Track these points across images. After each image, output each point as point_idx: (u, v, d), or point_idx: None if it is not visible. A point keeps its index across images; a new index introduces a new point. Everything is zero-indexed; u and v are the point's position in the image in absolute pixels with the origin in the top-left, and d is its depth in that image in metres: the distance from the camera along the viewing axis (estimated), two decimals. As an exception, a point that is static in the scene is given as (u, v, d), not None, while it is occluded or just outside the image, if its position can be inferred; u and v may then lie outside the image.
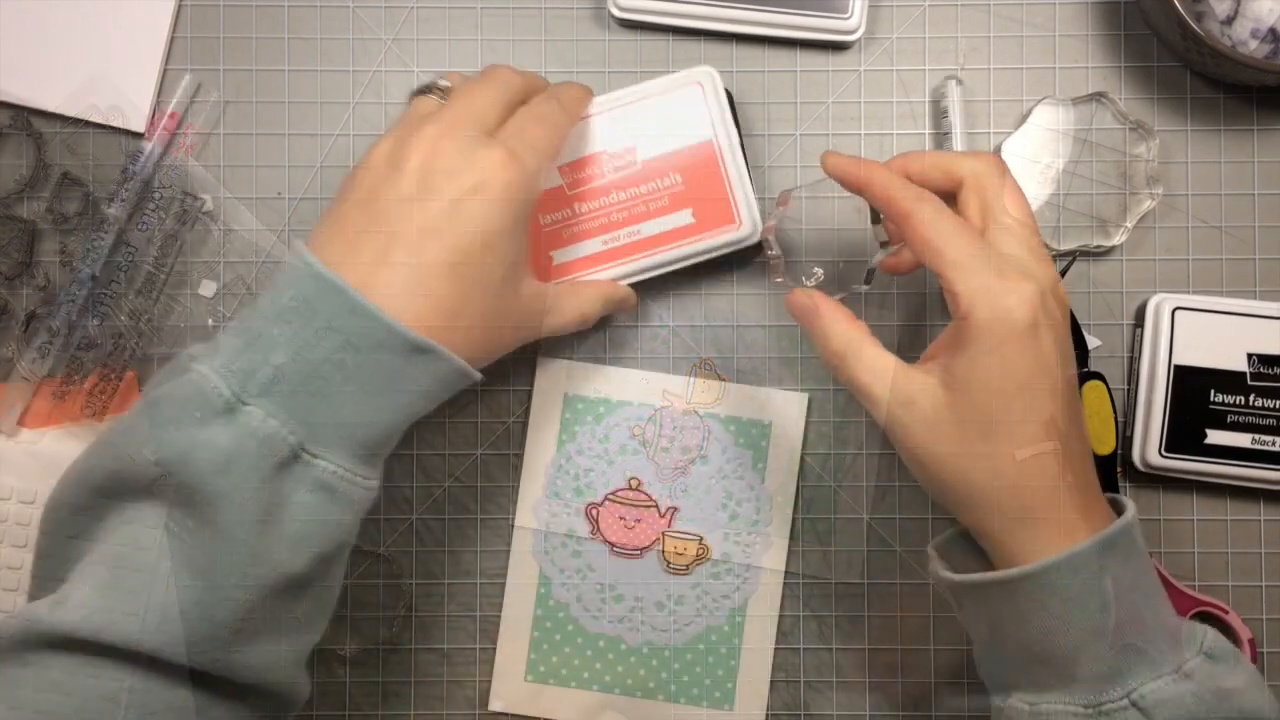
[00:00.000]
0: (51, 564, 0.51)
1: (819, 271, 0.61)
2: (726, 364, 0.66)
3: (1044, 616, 0.50)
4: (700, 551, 0.65)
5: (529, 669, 0.65)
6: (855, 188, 0.55)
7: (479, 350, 0.55)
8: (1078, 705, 0.50)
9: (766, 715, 0.65)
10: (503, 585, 0.65)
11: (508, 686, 0.65)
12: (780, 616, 0.65)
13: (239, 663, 0.50)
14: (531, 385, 0.66)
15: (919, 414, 0.52)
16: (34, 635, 0.48)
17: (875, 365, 0.54)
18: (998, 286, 0.50)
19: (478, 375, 0.54)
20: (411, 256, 0.52)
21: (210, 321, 0.66)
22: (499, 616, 0.65)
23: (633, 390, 0.65)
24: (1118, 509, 0.53)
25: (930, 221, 0.52)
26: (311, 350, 0.50)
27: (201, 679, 0.50)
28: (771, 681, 0.65)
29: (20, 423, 0.65)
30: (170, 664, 0.49)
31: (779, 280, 0.60)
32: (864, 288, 0.59)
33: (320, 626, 0.55)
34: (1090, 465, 0.53)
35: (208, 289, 0.66)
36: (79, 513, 0.50)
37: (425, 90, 0.59)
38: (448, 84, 0.58)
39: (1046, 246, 0.64)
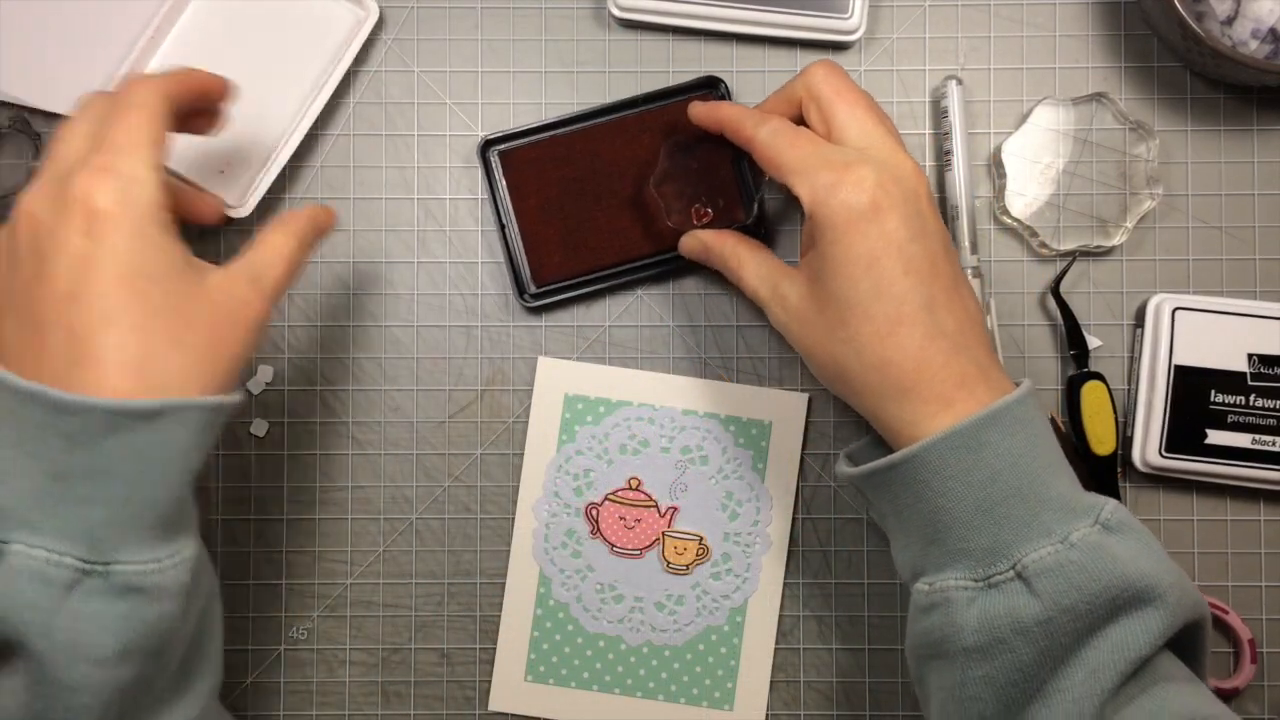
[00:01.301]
0: None
1: (709, 211, 0.63)
2: (727, 364, 0.66)
3: (931, 495, 0.51)
4: (700, 551, 0.65)
5: (529, 669, 0.65)
6: (714, 129, 0.59)
7: (212, 372, 0.49)
8: (969, 580, 0.51)
9: (766, 715, 0.65)
10: (503, 585, 0.65)
11: (507, 686, 0.65)
12: (780, 616, 0.65)
13: None
14: (531, 385, 0.66)
15: (792, 309, 0.56)
16: None
17: (759, 271, 0.58)
18: (833, 179, 0.53)
19: (235, 399, 0.51)
20: (72, 333, 0.47)
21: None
22: (499, 616, 0.65)
23: (633, 390, 0.65)
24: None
25: (768, 140, 0.55)
26: (48, 464, 0.46)
27: None
28: (771, 681, 0.65)
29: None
30: None
31: (671, 224, 0.62)
32: (750, 218, 0.63)
33: (206, 686, 0.53)
34: (976, 340, 0.54)
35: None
36: None
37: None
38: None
39: (1046, 247, 0.65)
